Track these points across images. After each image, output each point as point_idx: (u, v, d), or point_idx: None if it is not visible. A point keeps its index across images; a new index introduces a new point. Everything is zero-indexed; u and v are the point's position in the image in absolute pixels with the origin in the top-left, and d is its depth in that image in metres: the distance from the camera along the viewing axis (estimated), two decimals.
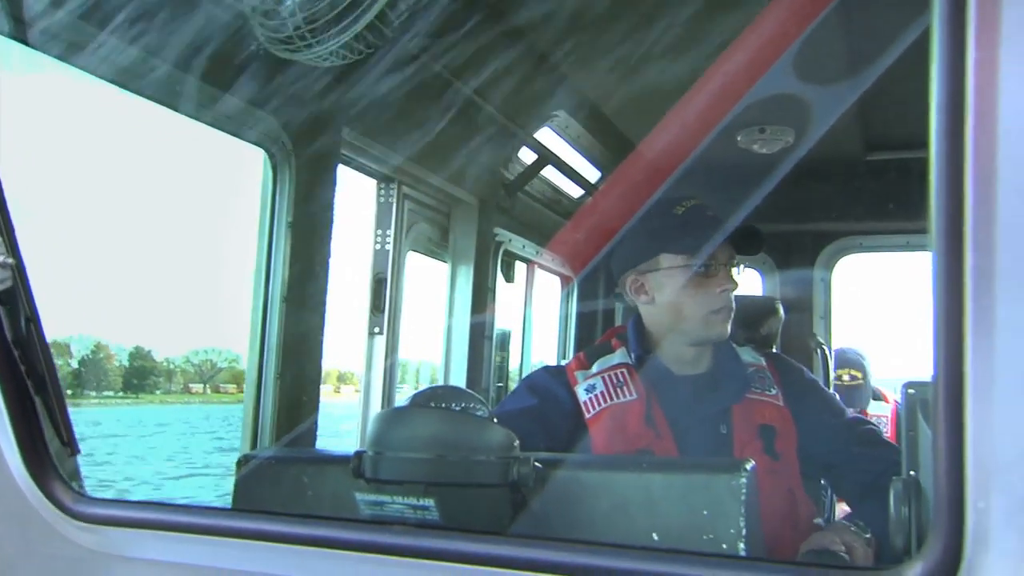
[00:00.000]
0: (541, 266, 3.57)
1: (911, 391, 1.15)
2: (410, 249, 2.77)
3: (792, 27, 2.17)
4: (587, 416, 1.75)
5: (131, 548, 1.07)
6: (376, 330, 2.64)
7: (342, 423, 3.03)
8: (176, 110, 1.79)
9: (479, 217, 2.92)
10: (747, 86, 2.48)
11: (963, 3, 0.66)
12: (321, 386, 2.17)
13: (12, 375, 1.12)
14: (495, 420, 1.03)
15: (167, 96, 1.75)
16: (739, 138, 3.11)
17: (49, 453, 1.15)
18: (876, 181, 3.48)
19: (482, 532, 0.94)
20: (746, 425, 1.74)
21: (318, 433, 2.14)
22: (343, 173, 2.28)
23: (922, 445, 1.09)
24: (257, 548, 0.99)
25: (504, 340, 3.22)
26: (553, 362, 3.74)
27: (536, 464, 0.97)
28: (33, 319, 1.14)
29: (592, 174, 3.52)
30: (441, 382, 2.90)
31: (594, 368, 1.81)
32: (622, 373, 1.78)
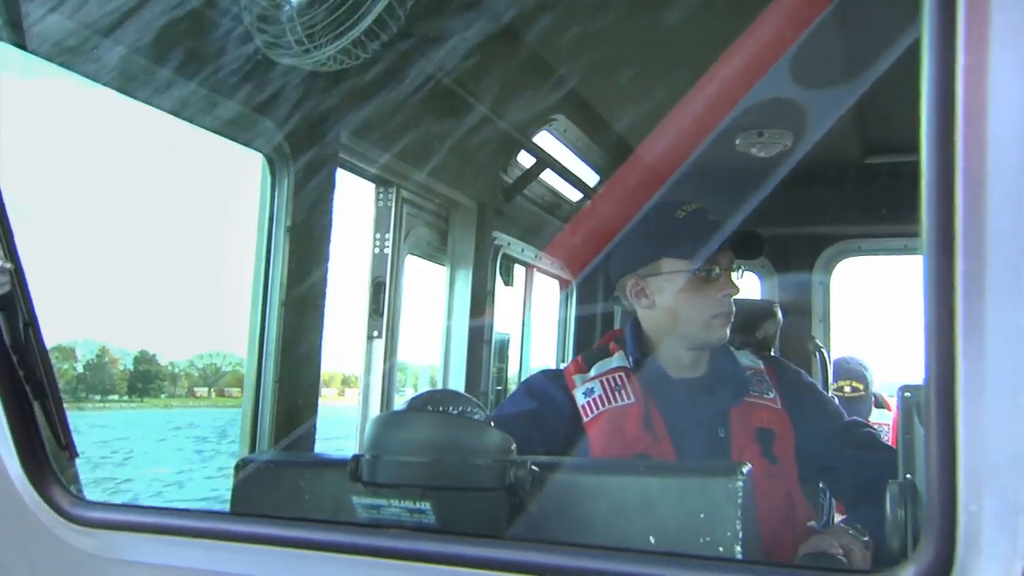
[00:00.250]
0: (540, 270, 3.57)
1: (907, 394, 1.15)
2: (409, 253, 2.77)
3: (790, 31, 2.17)
4: (585, 420, 1.75)
5: (129, 552, 1.07)
6: (375, 334, 2.64)
7: (346, 426, 3.03)
8: (176, 115, 1.79)
9: (478, 221, 2.92)
10: (745, 90, 2.49)
11: (953, 8, 0.66)
12: (325, 389, 2.17)
13: (11, 379, 1.13)
14: (493, 424, 1.03)
15: (167, 101, 1.76)
16: (737, 142, 3.12)
17: (48, 457, 1.15)
18: (874, 184, 3.48)
19: (479, 536, 0.94)
20: (744, 428, 1.74)
21: (317, 436, 2.14)
22: (342, 177, 2.28)
23: (918, 448, 1.09)
24: (255, 552, 1.00)
25: (503, 346, 3.22)
26: (552, 365, 3.74)
27: (533, 468, 0.98)
28: (32, 324, 1.14)
29: (591, 178, 3.52)
30: (440, 386, 2.90)
31: (592, 372, 1.81)
32: (620, 377, 1.78)
